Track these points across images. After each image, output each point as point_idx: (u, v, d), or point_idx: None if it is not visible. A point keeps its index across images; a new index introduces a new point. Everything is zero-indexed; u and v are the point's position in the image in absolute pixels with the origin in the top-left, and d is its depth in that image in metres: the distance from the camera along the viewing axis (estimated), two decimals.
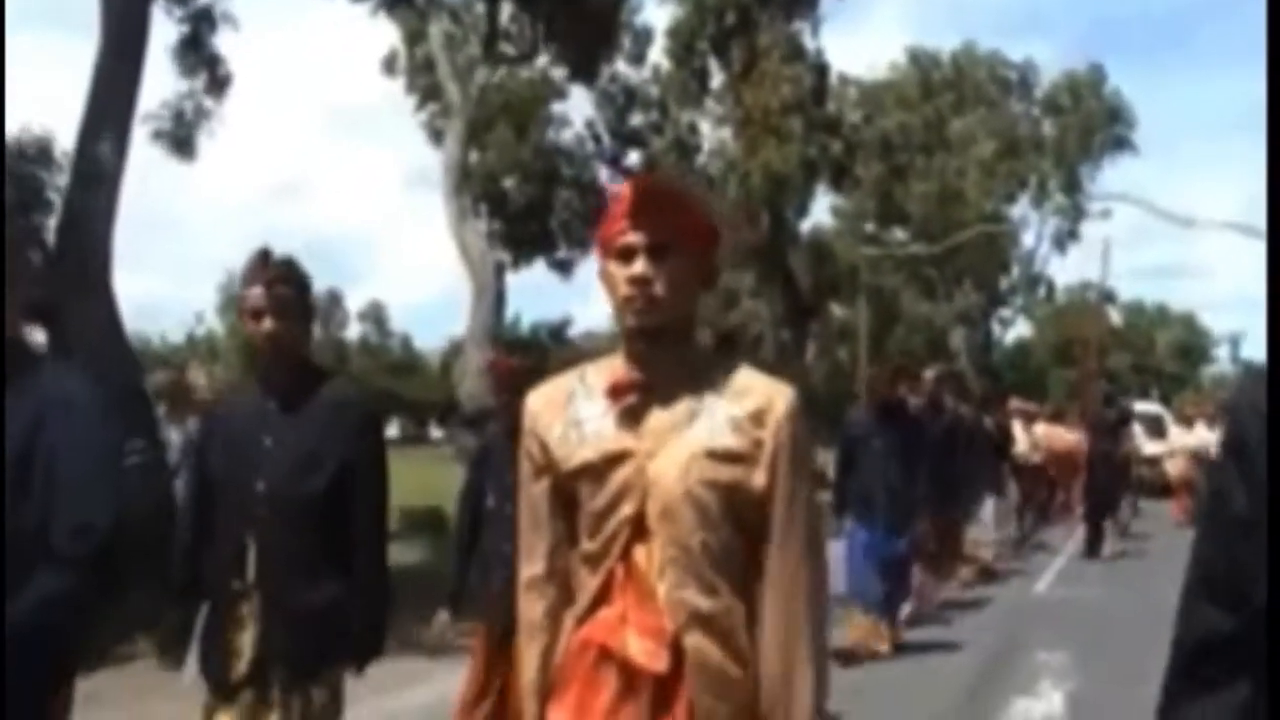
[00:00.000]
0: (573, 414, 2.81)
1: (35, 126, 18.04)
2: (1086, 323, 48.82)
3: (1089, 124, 53.18)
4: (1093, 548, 17.56)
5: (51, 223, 15.38)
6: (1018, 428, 18.79)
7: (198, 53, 17.70)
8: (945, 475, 11.70)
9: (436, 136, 32.01)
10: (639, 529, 2.72)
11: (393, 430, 58.69)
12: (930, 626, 11.54)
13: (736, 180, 30.69)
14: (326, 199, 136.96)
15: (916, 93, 51.16)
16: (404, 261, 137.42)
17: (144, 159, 37.44)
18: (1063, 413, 25.56)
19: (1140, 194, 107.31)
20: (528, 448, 2.87)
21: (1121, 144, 54.70)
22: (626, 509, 2.72)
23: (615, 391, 2.77)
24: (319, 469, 4.12)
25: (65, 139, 16.99)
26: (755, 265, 30.87)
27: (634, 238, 2.69)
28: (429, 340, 73.38)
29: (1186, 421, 22.94)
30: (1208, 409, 22.50)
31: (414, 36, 29.88)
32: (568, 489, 2.81)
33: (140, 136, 17.54)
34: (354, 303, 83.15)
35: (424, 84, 30.75)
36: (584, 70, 23.49)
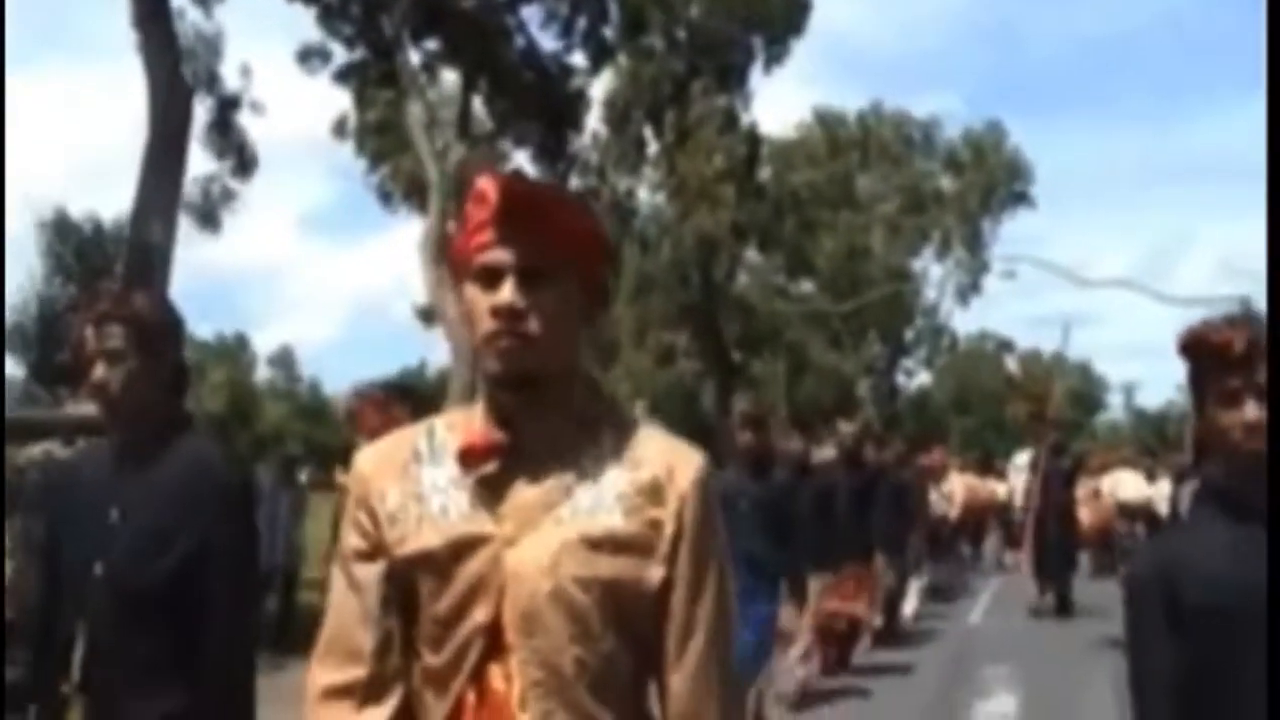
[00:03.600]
0: (414, 481, 2.26)
1: (86, 208, 20.44)
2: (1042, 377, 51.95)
3: (990, 181, 56.96)
4: (1061, 606, 16.97)
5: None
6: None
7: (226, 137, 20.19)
8: (863, 528, 12.25)
9: (385, 198, 34.75)
10: (495, 641, 2.16)
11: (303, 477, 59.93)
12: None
13: (670, 243, 33.63)
14: (232, 239, 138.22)
15: (824, 150, 54.52)
16: (306, 303, 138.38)
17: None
18: (989, 462, 26.36)
19: (1037, 244, 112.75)
20: (355, 519, 2.29)
21: (1020, 199, 58.63)
22: (479, 614, 2.16)
23: (469, 455, 2.21)
24: (167, 550, 3.43)
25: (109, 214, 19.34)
26: (689, 324, 33.82)
27: (501, 255, 2.16)
28: (337, 384, 74.86)
29: (1093, 472, 22.85)
30: (1113, 459, 23.64)
31: (363, 103, 32.26)
32: (403, 581, 2.23)
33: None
34: (261, 345, 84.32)
35: (373, 147, 33.43)
36: (550, 151, 26.13)
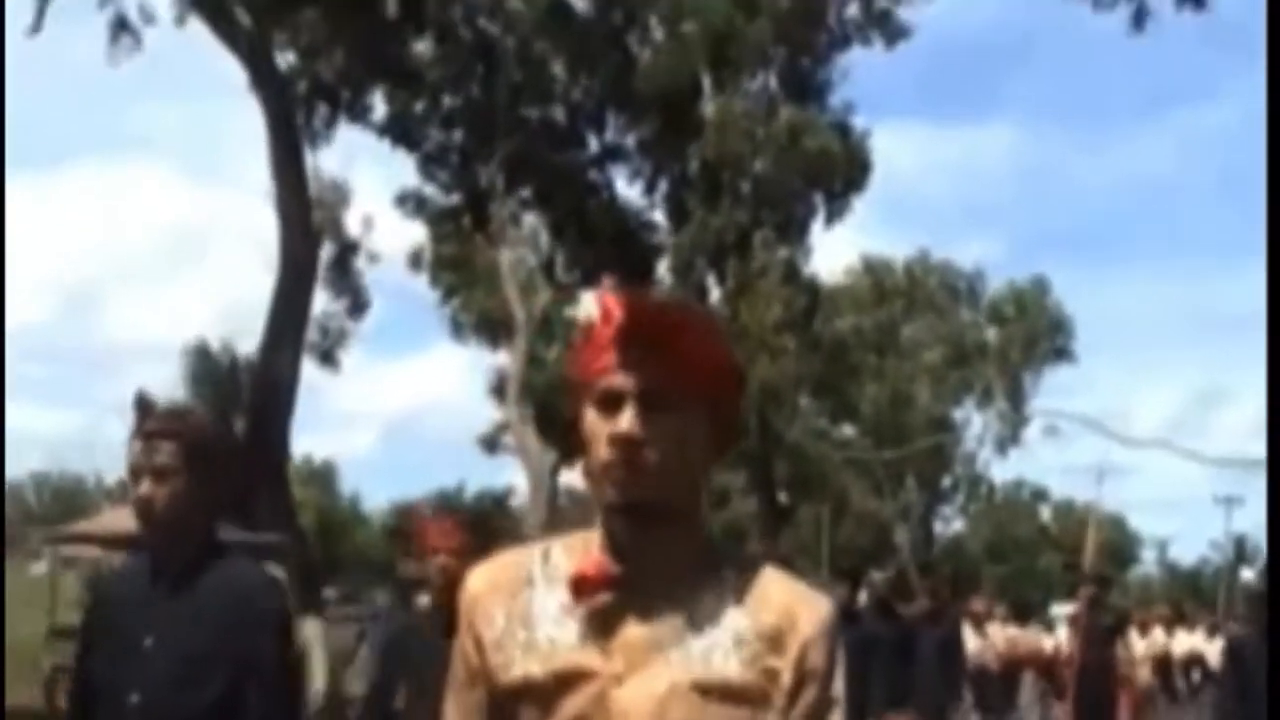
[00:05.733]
0: (523, 605, 2.16)
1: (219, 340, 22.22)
2: (1075, 528, 53.04)
3: (1032, 333, 58.77)
4: None
5: (240, 422, 19.61)
6: (968, 630, 18.45)
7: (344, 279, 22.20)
8: (901, 681, 11.83)
9: (456, 328, 36.83)
10: None
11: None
12: None
13: None
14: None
15: (870, 297, 56.48)
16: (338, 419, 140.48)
17: None
18: (1026, 611, 27.38)
19: (1076, 395, 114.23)
20: (462, 643, 2.22)
21: (1061, 353, 60.41)
22: None
23: (581, 585, 2.11)
24: (205, 679, 3.42)
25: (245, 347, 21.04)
26: (745, 467, 35.55)
27: (622, 380, 2.06)
28: (374, 500, 76.18)
29: (1143, 628, 22.70)
30: (1164, 615, 22.99)
31: (440, 238, 34.26)
32: (507, 710, 2.15)
33: None
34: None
35: (447, 281, 35.49)
36: None
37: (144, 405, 3.59)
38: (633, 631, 2.08)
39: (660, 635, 2.08)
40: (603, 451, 2.05)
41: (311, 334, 22.98)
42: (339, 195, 21.51)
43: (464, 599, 2.21)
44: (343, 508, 70.02)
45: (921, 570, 49.99)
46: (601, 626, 2.09)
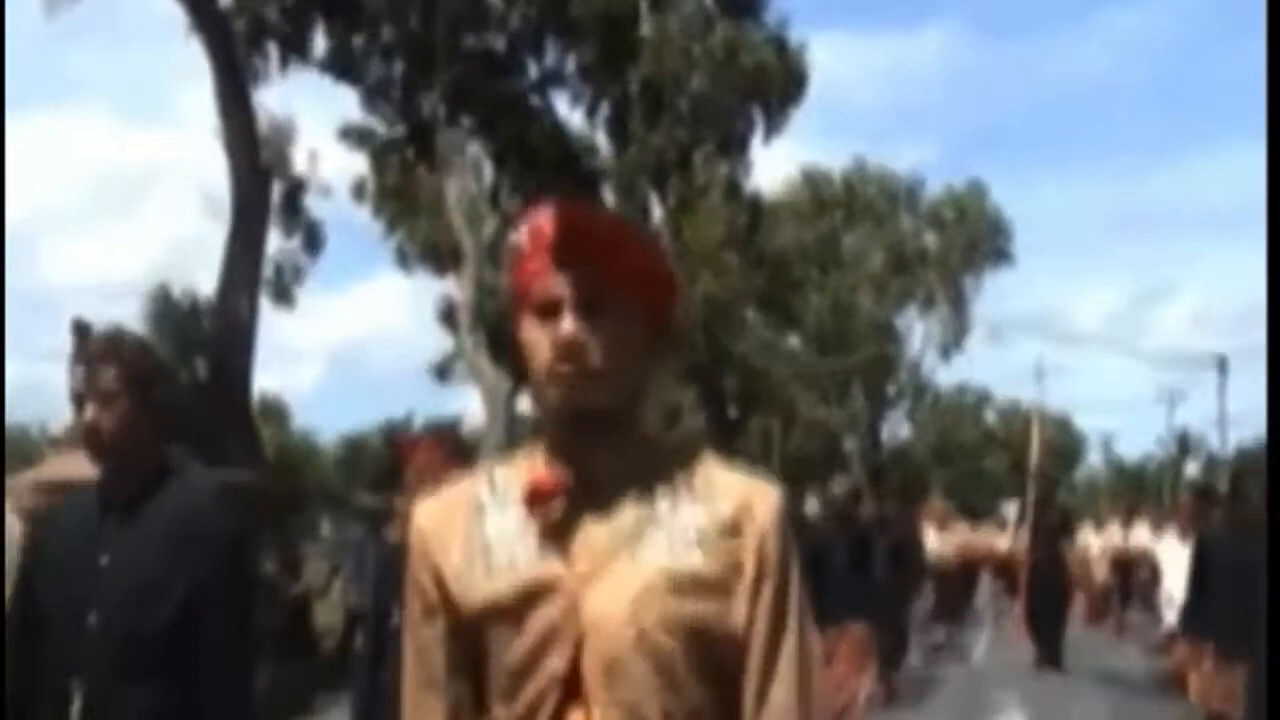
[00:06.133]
0: (478, 533, 2.17)
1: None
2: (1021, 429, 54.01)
3: (972, 238, 59.48)
4: (1051, 658, 17.26)
5: (200, 362, 19.96)
6: (929, 531, 19.22)
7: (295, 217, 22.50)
8: (858, 587, 11.84)
9: (402, 259, 37.17)
10: (572, 691, 2.08)
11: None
12: None
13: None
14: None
15: (810, 209, 56.92)
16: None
17: None
18: (974, 512, 27.24)
19: (1017, 298, 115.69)
20: (416, 579, 2.22)
21: (1001, 256, 61.19)
22: (554, 663, 2.08)
23: (535, 496, 2.13)
24: (162, 599, 3.41)
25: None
26: (694, 383, 36.15)
27: (560, 287, 2.11)
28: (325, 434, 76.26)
29: (1098, 524, 24.24)
30: (1121, 510, 24.11)
31: (383, 170, 34.40)
32: (473, 635, 2.16)
33: None
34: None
35: (390, 212, 35.81)
36: None
37: (81, 331, 3.65)
38: (593, 534, 2.11)
39: (621, 535, 2.11)
40: (545, 358, 2.10)
41: (266, 272, 23.34)
42: (284, 133, 21.78)
43: (415, 534, 2.23)
44: (297, 443, 70.12)
45: (872, 478, 50.99)
46: (561, 536, 2.11)
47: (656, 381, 2.37)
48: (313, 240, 22.66)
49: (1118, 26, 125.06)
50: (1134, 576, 21.45)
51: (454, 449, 5.03)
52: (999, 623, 23.67)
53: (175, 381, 3.87)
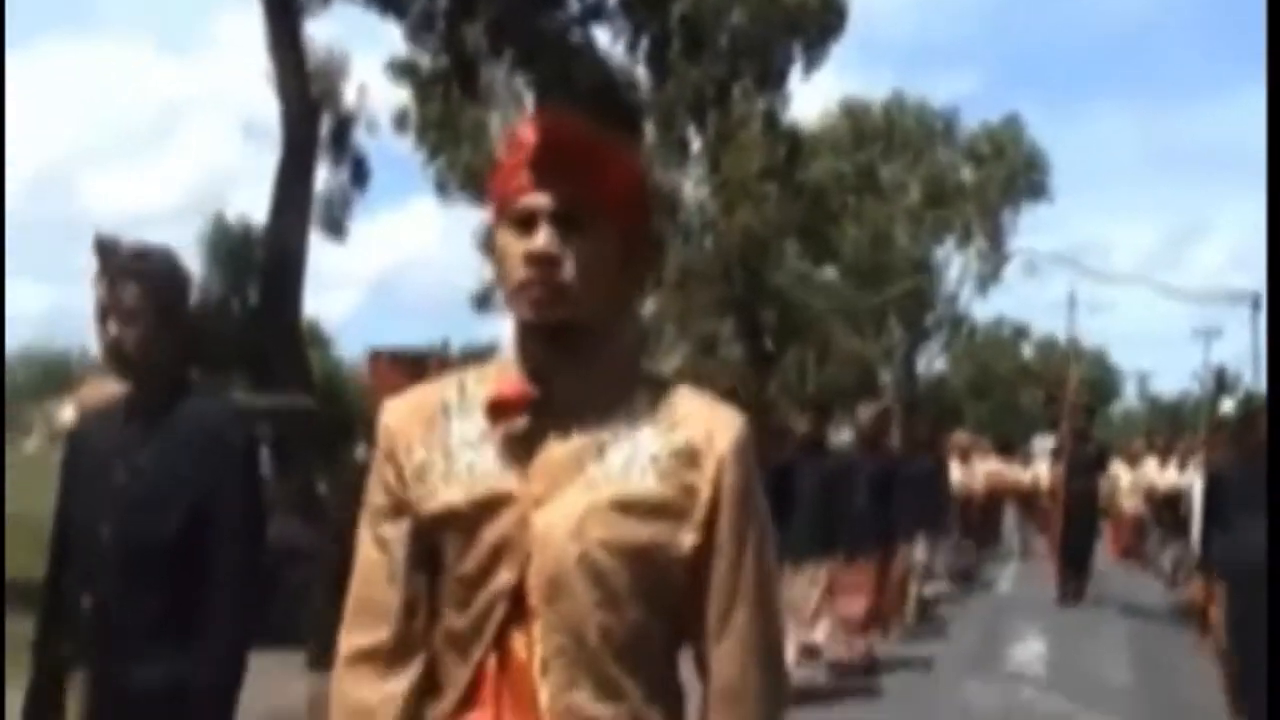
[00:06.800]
0: (441, 435, 2.20)
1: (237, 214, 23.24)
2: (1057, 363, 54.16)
3: (1009, 173, 59.52)
4: (1075, 591, 17.38)
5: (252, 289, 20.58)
6: (954, 463, 19.07)
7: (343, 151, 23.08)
8: (882, 514, 12.02)
9: (442, 188, 37.81)
10: (519, 605, 2.11)
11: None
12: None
13: (714, 237, 36.57)
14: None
15: (848, 140, 57.09)
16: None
17: None
18: (1009, 446, 26.23)
19: (1054, 233, 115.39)
20: (381, 474, 2.24)
21: (1038, 190, 61.24)
22: (503, 577, 2.11)
23: (497, 407, 2.15)
24: (171, 508, 3.51)
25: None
26: (732, 314, 36.80)
27: (536, 199, 2.10)
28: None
29: (1132, 459, 23.42)
30: (1158, 445, 23.34)
31: (424, 98, 34.92)
32: (430, 539, 2.19)
33: None
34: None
35: (432, 140, 36.48)
36: None
37: (105, 248, 3.62)
38: (552, 452, 2.12)
39: (578, 455, 2.12)
40: (518, 270, 2.10)
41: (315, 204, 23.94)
42: (337, 66, 22.32)
43: (381, 432, 2.24)
44: (338, 369, 70.92)
45: (907, 410, 51.41)
46: (520, 450, 2.13)
47: (635, 303, 2.41)
48: (359, 173, 23.24)
49: None
50: (1164, 512, 21.25)
51: (412, 371, 5.00)
52: (1024, 555, 24.08)
53: (201, 302, 4.23)
